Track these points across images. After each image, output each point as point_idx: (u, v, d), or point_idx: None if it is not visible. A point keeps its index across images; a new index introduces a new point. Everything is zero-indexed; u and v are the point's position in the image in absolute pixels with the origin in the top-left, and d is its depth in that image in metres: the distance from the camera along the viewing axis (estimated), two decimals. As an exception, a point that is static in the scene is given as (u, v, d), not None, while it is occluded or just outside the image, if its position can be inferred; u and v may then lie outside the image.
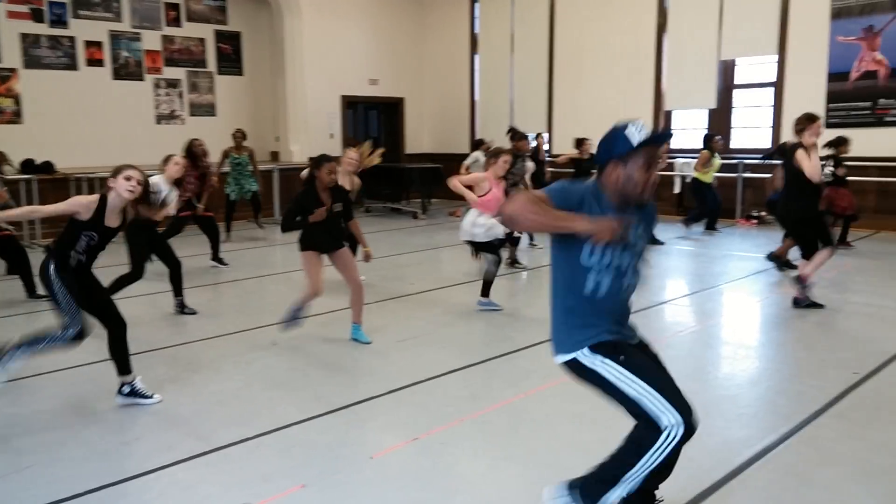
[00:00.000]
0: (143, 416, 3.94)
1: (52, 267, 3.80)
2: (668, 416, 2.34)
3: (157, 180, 5.89)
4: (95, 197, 3.90)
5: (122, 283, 5.77)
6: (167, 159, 6.20)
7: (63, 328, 3.80)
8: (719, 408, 4.06)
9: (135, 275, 5.80)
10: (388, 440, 3.62)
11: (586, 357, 2.46)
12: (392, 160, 15.17)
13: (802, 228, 5.89)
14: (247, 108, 13.55)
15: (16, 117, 10.84)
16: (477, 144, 11.99)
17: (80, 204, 3.83)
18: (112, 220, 3.93)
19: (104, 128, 11.52)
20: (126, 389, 4.04)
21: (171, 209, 5.95)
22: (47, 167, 10.42)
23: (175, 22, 12.48)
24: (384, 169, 13.94)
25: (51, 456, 3.44)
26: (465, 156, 11.64)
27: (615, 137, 2.35)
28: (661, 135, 2.48)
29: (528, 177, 8.77)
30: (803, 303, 5.89)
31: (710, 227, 10.26)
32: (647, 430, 2.39)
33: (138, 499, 3.06)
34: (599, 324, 2.46)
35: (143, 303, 6.42)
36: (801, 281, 5.88)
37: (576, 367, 2.51)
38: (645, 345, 2.65)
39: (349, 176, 6.69)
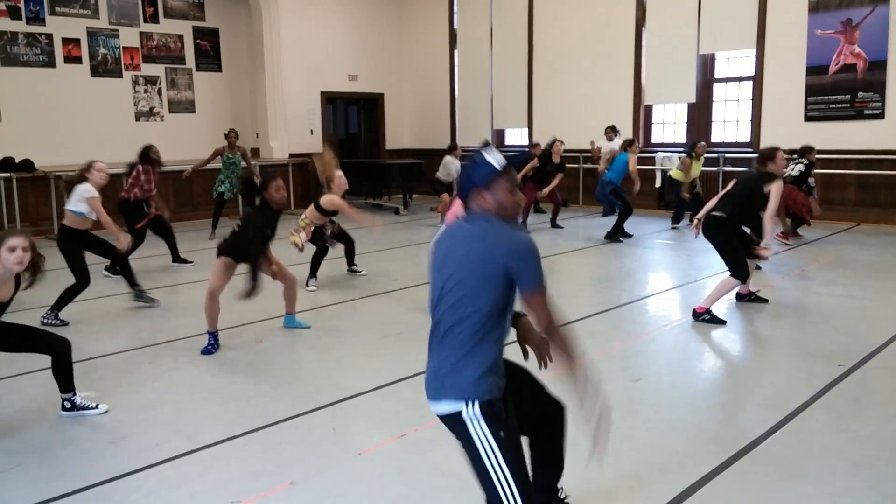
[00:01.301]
0: (129, 415, 3.92)
1: None
2: None
3: (87, 188, 5.79)
4: None
5: (70, 294, 5.77)
6: (90, 166, 5.96)
7: None
8: (705, 401, 4.12)
9: (80, 284, 5.77)
10: (375, 437, 3.63)
11: (470, 415, 2.18)
12: (373, 156, 15.18)
13: (734, 244, 5.60)
14: (226, 104, 13.46)
15: (-8, 115, 10.69)
16: (450, 149, 11.79)
17: None
18: (3, 292, 3.67)
19: (83, 125, 11.38)
20: (67, 405, 3.90)
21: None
22: (27, 165, 10.29)
23: (153, 18, 12.36)
24: (365, 165, 13.97)
25: (37, 456, 3.42)
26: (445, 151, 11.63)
27: (476, 166, 2.26)
28: (515, 157, 2.44)
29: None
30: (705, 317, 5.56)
31: (676, 221, 10.39)
32: None
33: (126, 498, 3.05)
34: (497, 373, 2.24)
35: (123, 301, 6.37)
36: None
37: (455, 422, 2.22)
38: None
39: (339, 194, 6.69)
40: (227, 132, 10.11)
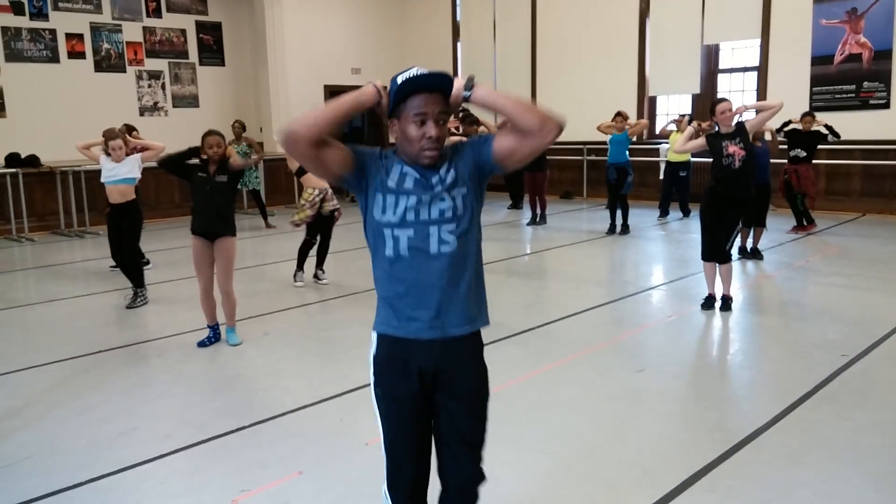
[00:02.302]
0: (140, 406, 3.96)
1: None
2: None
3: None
4: None
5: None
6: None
7: None
8: (709, 391, 4.15)
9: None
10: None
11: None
12: (378, 149, 15.18)
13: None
14: (230, 98, 13.47)
15: (-1, 111, 10.74)
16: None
17: None
18: None
19: (88, 120, 11.33)
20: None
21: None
22: (33, 161, 10.34)
23: (156, 13, 12.37)
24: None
25: (49, 447, 3.46)
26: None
27: (391, 90, 1.93)
28: (423, 76, 1.88)
29: None
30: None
31: (664, 213, 10.38)
32: None
33: (137, 487, 3.09)
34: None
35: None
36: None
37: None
38: None
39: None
40: (232, 123, 10.20)
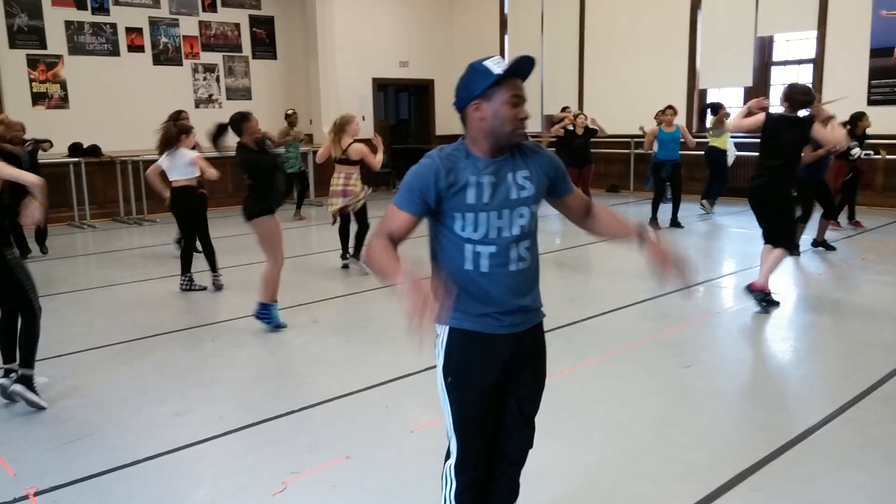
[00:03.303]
0: (194, 388, 4.12)
1: None
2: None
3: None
4: None
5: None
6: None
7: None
8: (761, 389, 4.10)
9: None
10: (426, 415, 3.72)
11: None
12: (423, 141, 15.27)
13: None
14: (281, 91, 13.70)
15: (63, 102, 11.16)
16: None
17: None
18: None
19: (145, 112, 11.70)
20: (17, 387, 3.78)
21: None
22: (94, 150, 10.73)
23: (211, 7, 12.64)
24: (415, 150, 14.07)
25: (110, 426, 3.63)
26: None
27: (473, 73, 2.00)
28: (524, 64, 1.97)
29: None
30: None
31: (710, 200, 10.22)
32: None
33: (193, 466, 3.23)
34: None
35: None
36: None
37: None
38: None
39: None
40: (289, 112, 10.40)
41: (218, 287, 6.35)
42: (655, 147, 9.25)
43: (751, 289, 5.45)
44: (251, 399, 3.95)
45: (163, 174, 6.28)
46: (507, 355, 2.09)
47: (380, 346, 4.89)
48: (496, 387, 2.13)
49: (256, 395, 4.02)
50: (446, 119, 15.65)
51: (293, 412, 3.74)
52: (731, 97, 11.99)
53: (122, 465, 3.18)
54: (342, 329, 5.23)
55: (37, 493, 2.94)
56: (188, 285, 6.32)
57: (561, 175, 2.15)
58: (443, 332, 2.10)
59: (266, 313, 5.08)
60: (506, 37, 14.66)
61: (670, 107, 9.27)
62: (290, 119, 10.74)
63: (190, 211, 6.23)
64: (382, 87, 14.84)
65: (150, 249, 8.33)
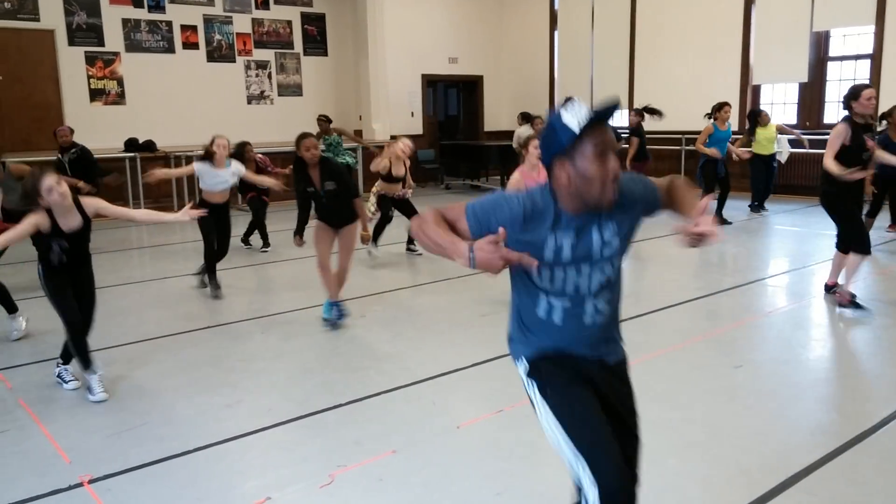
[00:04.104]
0: (244, 380, 4.19)
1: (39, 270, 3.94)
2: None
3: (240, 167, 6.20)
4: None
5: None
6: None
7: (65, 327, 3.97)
8: (812, 391, 3.97)
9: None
10: (472, 411, 3.72)
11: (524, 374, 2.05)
12: (471, 138, 15.26)
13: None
14: (331, 87, 13.84)
15: (120, 98, 11.49)
16: (526, 118, 11.88)
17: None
18: (70, 222, 3.87)
19: (199, 108, 12.03)
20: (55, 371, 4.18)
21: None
22: (150, 146, 11.02)
23: (264, 5, 12.84)
24: (463, 146, 14.09)
25: (162, 416, 3.72)
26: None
27: (552, 130, 1.84)
28: (603, 109, 1.80)
29: None
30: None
31: (760, 205, 9.90)
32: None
33: (242, 457, 3.28)
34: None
35: (238, 274, 6.75)
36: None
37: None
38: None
39: (402, 163, 7.12)
40: (318, 117, 10.41)
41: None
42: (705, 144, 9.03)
43: (838, 301, 5.31)
44: (299, 392, 4.00)
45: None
46: (595, 375, 1.98)
47: (426, 341, 4.90)
48: (591, 387, 1.99)
49: (304, 388, 4.07)
50: (495, 115, 15.61)
51: (340, 405, 3.77)
52: (784, 93, 11.64)
53: (173, 455, 3.25)
54: (389, 324, 5.26)
55: (91, 481, 3.03)
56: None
57: (650, 197, 1.99)
58: (522, 366, 2.03)
59: (333, 311, 5.18)
60: (555, 33, 14.52)
61: (727, 104, 9.04)
62: (321, 126, 10.55)
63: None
64: (431, 84, 14.87)
65: (201, 244, 8.49)
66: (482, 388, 4.04)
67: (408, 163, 7.28)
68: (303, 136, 5.02)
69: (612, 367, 2.04)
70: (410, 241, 7.53)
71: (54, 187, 3.72)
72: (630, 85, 13.20)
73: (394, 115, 13.64)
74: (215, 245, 6.11)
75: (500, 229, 1.75)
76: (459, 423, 3.55)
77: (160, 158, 10.97)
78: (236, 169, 6.15)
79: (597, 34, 13.69)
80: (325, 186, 5.00)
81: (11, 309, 5.01)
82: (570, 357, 1.97)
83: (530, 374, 2.00)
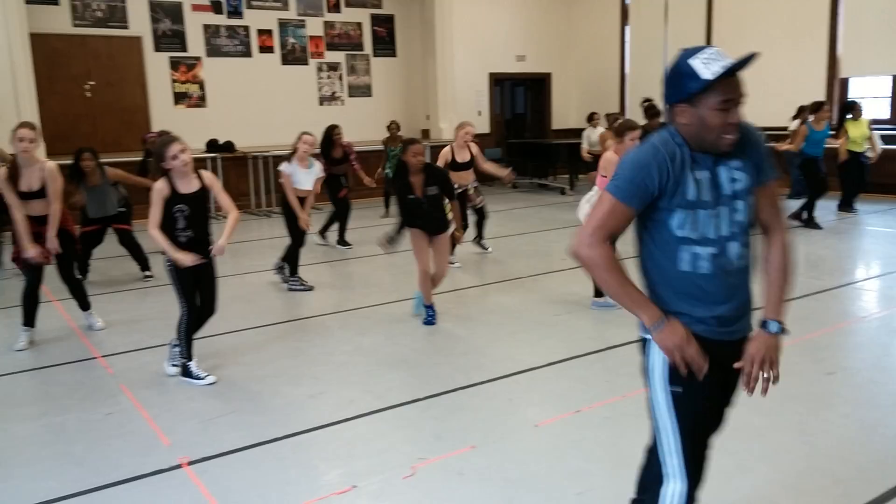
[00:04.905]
0: (326, 373, 4.31)
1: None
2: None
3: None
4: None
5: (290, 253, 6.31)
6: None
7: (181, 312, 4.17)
8: (906, 397, 3.80)
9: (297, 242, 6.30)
10: (550, 410, 3.72)
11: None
12: (538, 136, 15.17)
13: None
14: (399, 88, 14.01)
15: (201, 101, 11.95)
16: (589, 118, 11.70)
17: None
18: (186, 186, 4.05)
19: (274, 109, 12.39)
20: (172, 370, 4.29)
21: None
22: (229, 146, 11.42)
23: (335, 8, 13.11)
24: (531, 145, 14.01)
25: (250, 404, 3.87)
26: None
27: (678, 72, 1.79)
28: (739, 62, 1.73)
29: None
30: None
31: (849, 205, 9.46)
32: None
33: (326, 446, 3.38)
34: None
35: (317, 270, 6.92)
36: None
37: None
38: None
39: (466, 147, 6.95)
40: (388, 124, 10.48)
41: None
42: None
43: None
44: (378, 385, 4.08)
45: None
46: (727, 363, 1.94)
47: (501, 339, 4.92)
48: (720, 394, 2.01)
49: (383, 381, 4.15)
50: (562, 113, 15.48)
51: (418, 400, 3.83)
52: (876, 86, 11.12)
53: (263, 442, 3.38)
54: (464, 321, 5.30)
55: (189, 463, 3.18)
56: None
57: (763, 158, 1.91)
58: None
59: (426, 314, 5.25)
60: (626, 28, 14.29)
61: (825, 103, 8.73)
62: (391, 131, 10.63)
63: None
64: (499, 82, 14.87)
65: (278, 240, 8.72)
66: (558, 388, 4.03)
67: (474, 148, 7.04)
68: (410, 142, 5.03)
69: (739, 348, 1.96)
70: (480, 237, 7.54)
71: (179, 154, 3.94)
72: (705, 81, 12.85)
73: (461, 114, 13.63)
74: (302, 240, 6.32)
75: (704, 366, 1.79)
76: (537, 421, 3.56)
77: (238, 158, 11.34)
78: (317, 171, 6.31)
79: (671, 28, 13.40)
80: (427, 192, 5.01)
81: (85, 306, 5.23)
82: (707, 345, 1.90)
83: (669, 375, 1.93)
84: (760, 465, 3.06)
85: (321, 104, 13.12)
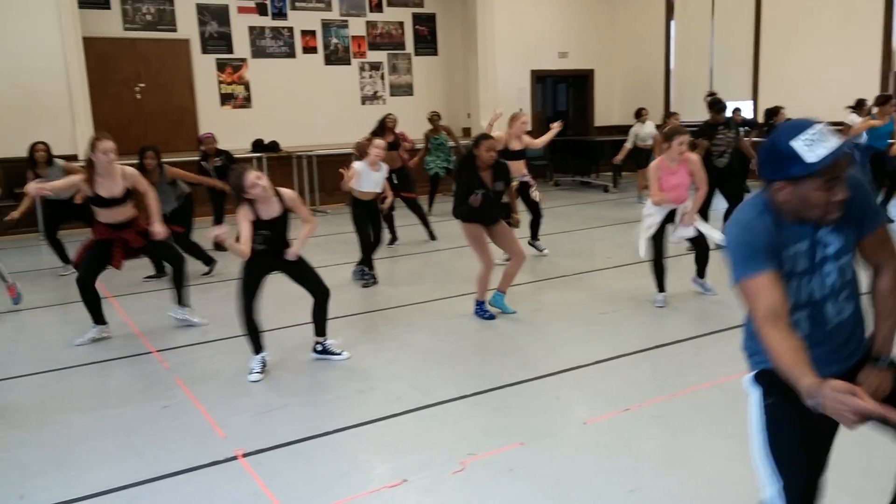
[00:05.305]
0: (374, 369, 4.37)
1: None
2: None
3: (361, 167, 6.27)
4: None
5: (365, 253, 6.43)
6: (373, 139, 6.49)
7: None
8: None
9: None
10: (598, 408, 3.71)
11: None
12: (581, 133, 15.06)
13: None
14: (440, 86, 14.06)
15: (246, 102, 12.19)
16: (637, 114, 11.46)
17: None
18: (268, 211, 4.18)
19: (317, 110, 12.56)
20: (318, 348, 4.54)
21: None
22: (274, 146, 11.62)
23: (377, 8, 13.22)
24: (573, 142, 13.90)
25: (302, 398, 3.95)
26: (658, 128, 11.23)
27: (777, 154, 1.72)
28: (842, 148, 1.65)
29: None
30: None
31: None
32: None
33: (378, 440, 3.43)
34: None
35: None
36: None
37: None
38: None
39: (520, 138, 6.95)
40: (429, 115, 10.54)
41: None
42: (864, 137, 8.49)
43: None
44: (425, 381, 4.12)
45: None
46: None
47: (546, 336, 4.92)
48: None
49: (429, 377, 4.19)
50: (605, 110, 15.34)
51: (465, 396, 3.86)
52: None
53: (315, 435, 3.45)
54: (509, 318, 5.30)
55: (244, 455, 3.27)
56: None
57: (866, 210, 1.84)
58: (756, 386, 1.98)
59: (477, 309, 5.29)
60: (671, 23, 14.09)
61: (891, 97, 8.49)
62: (432, 121, 10.67)
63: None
64: (540, 79, 14.80)
65: (322, 239, 8.85)
66: (606, 386, 4.02)
67: (524, 138, 7.01)
68: (484, 137, 5.03)
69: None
70: (535, 237, 7.49)
71: (256, 182, 4.04)
72: (755, 76, 12.60)
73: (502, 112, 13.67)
74: (372, 237, 6.42)
75: (859, 392, 1.55)
76: (585, 419, 3.56)
77: (283, 158, 11.53)
78: (384, 174, 6.37)
79: (718, 22, 13.17)
80: (496, 187, 5.05)
81: (182, 303, 5.36)
82: None
83: (762, 392, 1.96)
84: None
85: (363, 103, 13.25)
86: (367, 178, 6.19)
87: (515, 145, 6.98)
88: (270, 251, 4.24)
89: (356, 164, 6.22)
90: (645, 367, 4.28)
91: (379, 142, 6.28)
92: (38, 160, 7.02)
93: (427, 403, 3.80)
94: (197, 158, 8.36)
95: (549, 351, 4.62)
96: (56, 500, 2.96)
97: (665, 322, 5.15)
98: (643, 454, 3.19)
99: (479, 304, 5.30)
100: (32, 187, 4.76)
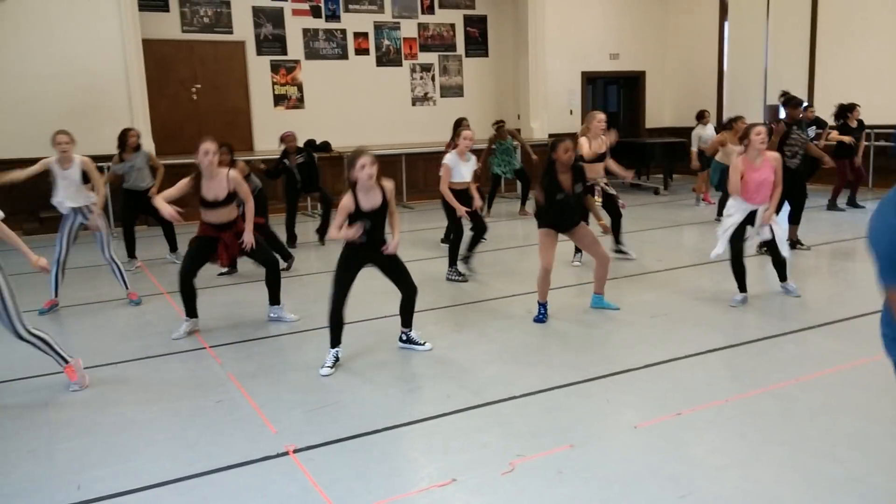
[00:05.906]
0: (423, 367, 4.40)
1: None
2: None
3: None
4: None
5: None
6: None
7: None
8: None
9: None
10: (649, 412, 3.66)
11: None
12: (632, 135, 14.86)
13: None
14: (491, 88, 14.05)
15: (299, 103, 12.40)
16: (699, 116, 11.15)
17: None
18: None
19: (368, 110, 12.70)
20: (403, 338, 4.73)
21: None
22: (326, 146, 11.76)
23: (429, 9, 13.30)
24: (624, 144, 13.70)
25: (351, 396, 3.99)
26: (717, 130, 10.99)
27: None
28: None
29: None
30: None
31: None
32: None
33: (427, 439, 3.45)
34: None
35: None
36: None
37: None
38: None
39: (599, 139, 6.81)
40: (494, 123, 10.47)
41: None
42: None
43: None
44: (474, 381, 4.13)
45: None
46: None
47: (596, 340, 4.88)
48: None
49: (479, 378, 4.19)
50: (657, 111, 15.11)
51: (514, 398, 3.85)
52: None
53: (365, 433, 3.48)
54: (558, 320, 5.27)
55: (296, 451, 3.32)
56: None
57: None
58: None
59: (540, 311, 5.28)
60: (725, 23, 13.79)
61: None
62: (498, 130, 10.65)
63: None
64: (591, 81, 14.66)
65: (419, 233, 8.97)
66: (656, 390, 3.96)
67: (604, 139, 6.85)
68: (561, 140, 5.03)
69: None
70: (618, 241, 7.28)
71: (367, 165, 4.14)
72: (810, 76, 12.25)
73: (552, 114, 13.60)
74: (461, 229, 6.55)
75: None
76: (636, 423, 3.51)
77: (335, 158, 11.66)
78: (474, 163, 6.52)
79: (773, 21, 12.84)
80: (575, 190, 5.04)
81: (276, 301, 5.46)
82: None
83: None
84: (871, 476, 2.92)
85: (413, 105, 13.34)
86: (459, 169, 6.35)
87: (597, 147, 6.77)
88: (368, 244, 4.33)
89: (447, 158, 6.37)
90: (697, 372, 4.20)
91: (468, 133, 6.40)
92: (130, 145, 7.55)
93: (476, 403, 3.80)
94: (278, 157, 8.49)
95: (599, 353, 4.58)
96: (112, 491, 3.04)
97: (715, 327, 5.05)
98: (695, 459, 3.14)
99: (541, 305, 5.26)
100: (167, 212, 4.86)
